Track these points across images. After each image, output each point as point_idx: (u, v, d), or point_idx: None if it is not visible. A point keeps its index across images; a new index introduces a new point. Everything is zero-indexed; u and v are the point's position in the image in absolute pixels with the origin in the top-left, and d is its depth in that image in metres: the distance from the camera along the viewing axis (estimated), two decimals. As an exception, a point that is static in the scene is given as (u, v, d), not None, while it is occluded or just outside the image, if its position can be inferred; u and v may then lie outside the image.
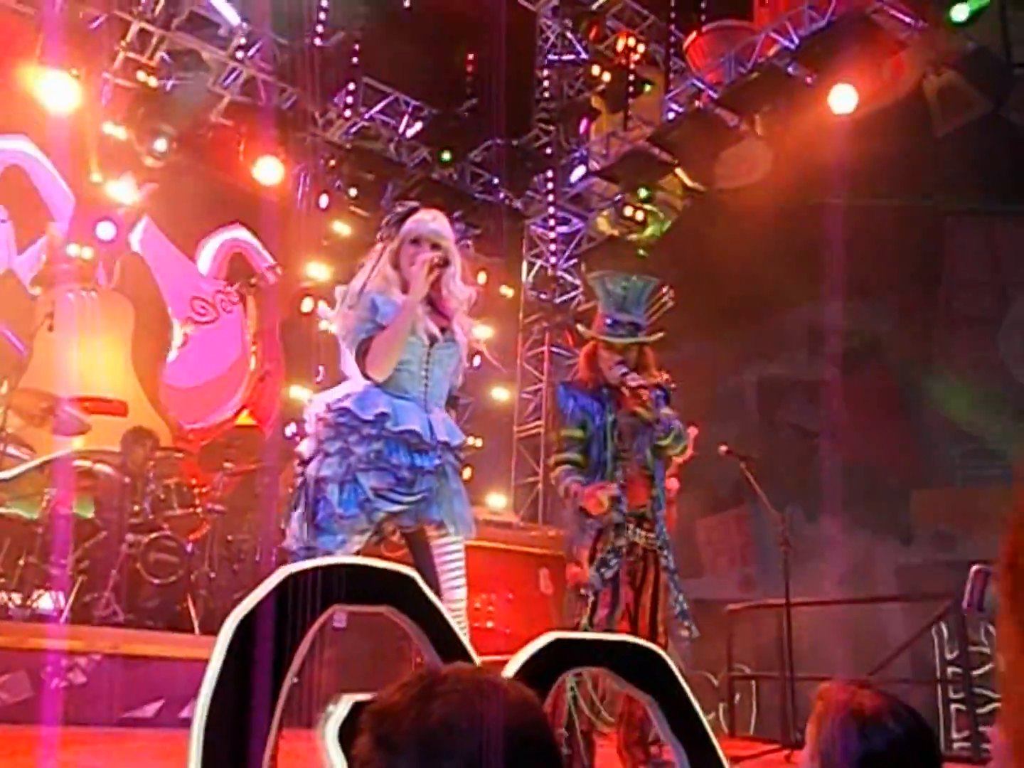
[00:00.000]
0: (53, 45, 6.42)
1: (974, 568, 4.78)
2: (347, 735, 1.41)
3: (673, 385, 3.56)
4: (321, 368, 6.90)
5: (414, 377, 2.69)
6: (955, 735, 4.57)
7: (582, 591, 3.42)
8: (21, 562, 5.00)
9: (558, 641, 1.70)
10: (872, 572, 8.49)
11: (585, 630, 3.34)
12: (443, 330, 2.73)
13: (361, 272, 2.76)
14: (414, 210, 2.75)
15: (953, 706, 5.16)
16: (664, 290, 3.68)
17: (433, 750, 0.86)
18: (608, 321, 3.48)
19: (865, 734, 1.26)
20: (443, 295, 2.76)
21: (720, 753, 1.83)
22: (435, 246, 2.70)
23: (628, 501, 3.41)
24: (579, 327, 3.70)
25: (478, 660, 1.60)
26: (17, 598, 4.94)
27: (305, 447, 2.69)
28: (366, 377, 2.66)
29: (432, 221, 2.73)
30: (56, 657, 4.74)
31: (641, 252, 8.54)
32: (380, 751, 0.90)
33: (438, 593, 2.53)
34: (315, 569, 1.48)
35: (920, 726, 1.30)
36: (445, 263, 2.68)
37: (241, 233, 8.08)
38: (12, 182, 7.08)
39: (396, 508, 2.57)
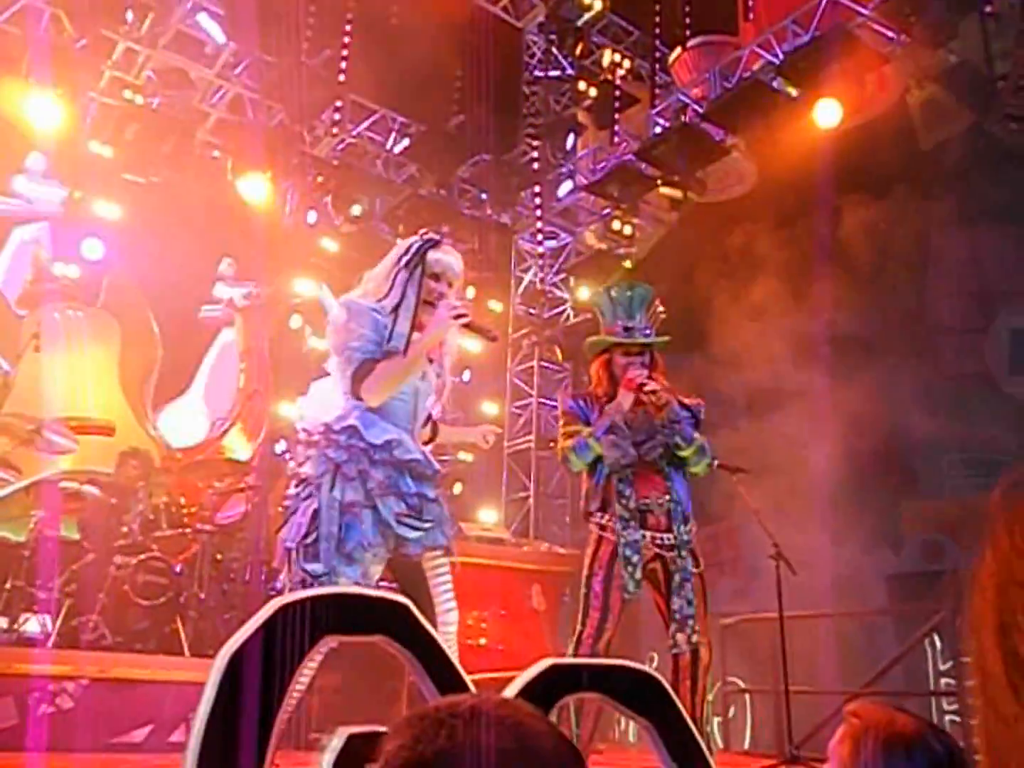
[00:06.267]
0: (39, 64, 6.40)
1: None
2: (342, 766, 1.40)
3: (703, 407, 3.57)
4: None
5: (406, 408, 2.72)
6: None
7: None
8: (7, 585, 4.94)
9: (554, 667, 1.68)
10: (862, 582, 8.49)
11: (578, 639, 3.36)
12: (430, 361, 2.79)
13: (366, 288, 2.76)
14: (437, 243, 2.75)
15: (947, 717, 5.14)
16: (657, 300, 3.74)
17: None
18: (620, 327, 3.56)
19: (912, 756, 1.26)
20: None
21: (717, 775, 1.81)
22: (450, 284, 2.74)
23: (634, 495, 3.42)
24: (590, 339, 3.71)
25: (473, 688, 1.58)
26: (3, 622, 4.89)
27: (312, 467, 2.62)
28: (356, 398, 2.63)
29: (456, 261, 2.76)
30: (43, 682, 4.67)
31: (628, 264, 8.57)
32: None
33: (433, 615, 2.54)
34: (307, 599, 1.46)
35: (956, 747, 1.31)
36: (463, 317, 2.66)
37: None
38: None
39: (414, 535, 2.58)
